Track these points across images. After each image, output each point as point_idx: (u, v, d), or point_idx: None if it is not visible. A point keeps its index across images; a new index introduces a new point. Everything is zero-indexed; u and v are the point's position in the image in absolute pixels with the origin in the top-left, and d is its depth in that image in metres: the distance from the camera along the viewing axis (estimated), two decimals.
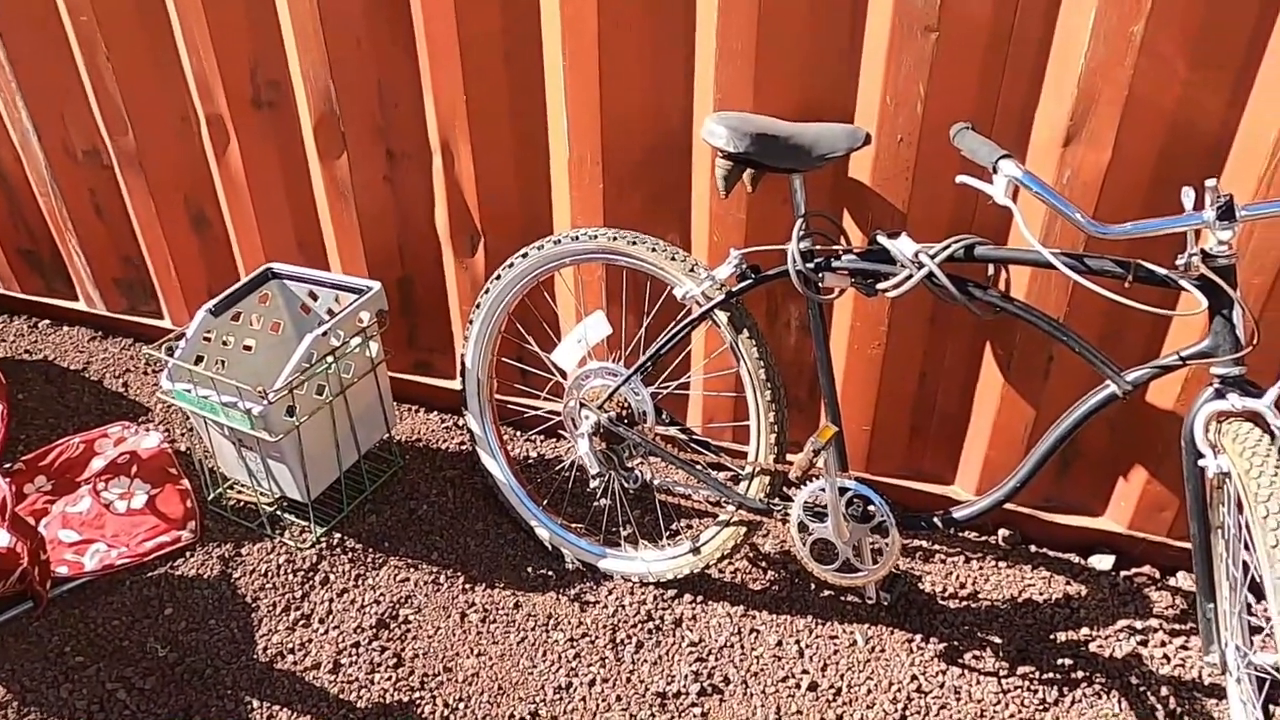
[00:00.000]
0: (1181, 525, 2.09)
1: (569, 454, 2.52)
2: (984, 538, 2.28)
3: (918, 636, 2.03)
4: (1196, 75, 1.66)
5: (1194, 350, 1.53)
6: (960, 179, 1.60)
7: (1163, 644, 1.99)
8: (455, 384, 2.62)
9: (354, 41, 2.20)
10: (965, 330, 2.08)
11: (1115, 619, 2.05)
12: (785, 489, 2.01)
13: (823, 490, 1.88)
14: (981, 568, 2.20)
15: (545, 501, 2.32)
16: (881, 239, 1.74)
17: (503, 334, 2.25)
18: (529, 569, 2.23)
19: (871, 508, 1.88)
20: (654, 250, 1.95)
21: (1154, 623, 2.04)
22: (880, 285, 1.75)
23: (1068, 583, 2.15)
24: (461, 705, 1.91)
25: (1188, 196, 1.42)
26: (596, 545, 2.23)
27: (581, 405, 2.06)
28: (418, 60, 2.19)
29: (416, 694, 1.93)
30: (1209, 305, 1.49)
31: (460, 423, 2.68)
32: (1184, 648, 1.99)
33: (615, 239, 1.98)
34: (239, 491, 2.44)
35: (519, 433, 2.62)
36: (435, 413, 2.73)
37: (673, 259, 1.93)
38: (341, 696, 1.93)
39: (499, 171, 2.28)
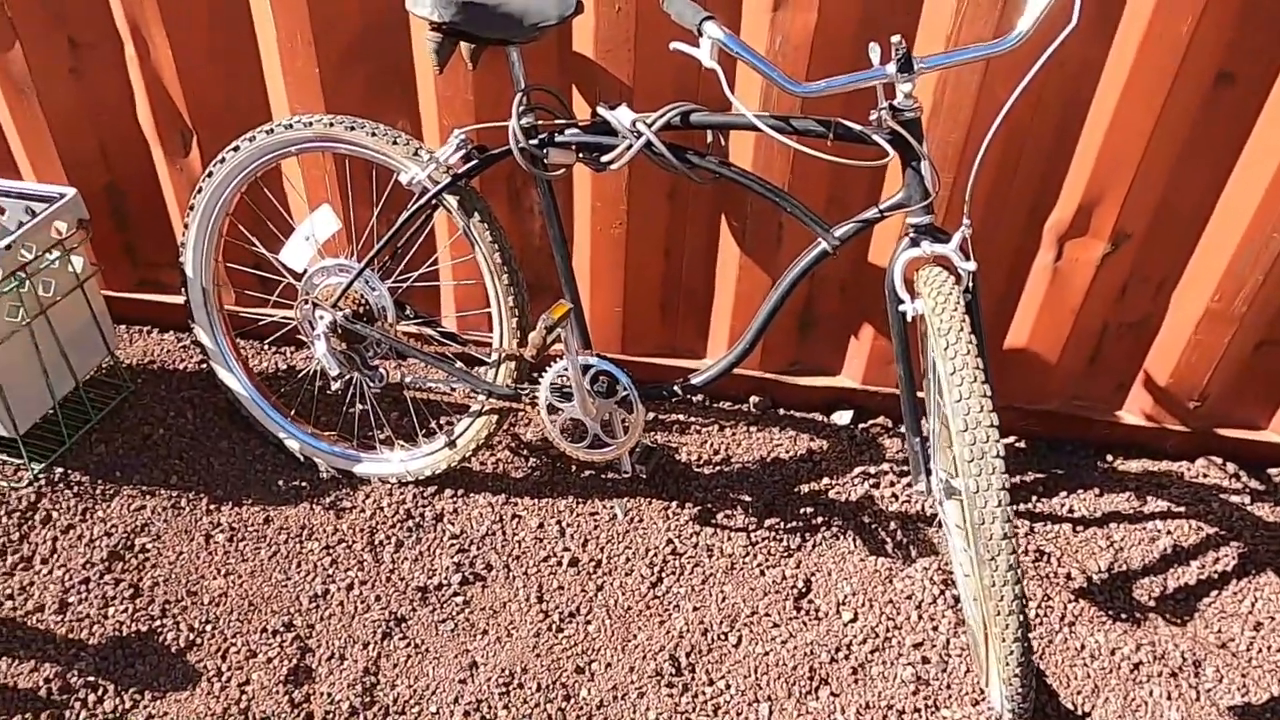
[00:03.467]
0: None
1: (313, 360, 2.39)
2: (737, 406, 2.38)
3: (674, 504, 2.10)
4: None
5: (890, 203, 1.62)
6: (674, 45, 1.58)
7: (892, 484, 2.16)
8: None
9: None
10: (702, 204, 2.11)
11: (852, 467, 2.21)
12: (536, 373, 2.00)
13: (567, 370, 1.88)
14: (734, 434, 2.29)
15: (293, 411, 2.21)
16: (602, 110, 1.71)
17: (225, 237, 2.08)
18: (280, 483, 2.13)
19: (615, 383, 1.90)
20: (374, 135, 1.84)
21: (885, 467, 2.21)
22: (605, 158, 1.73)
23: (812, 439, 2.29)
24: (209, 627, 1.82)
25: (874, 52, 1.47)
26: (351, 450, 2.16)
27: (315, 306, 1.96)
28: None
29: (157, 622, 1.82)
30: (902, 158, 1.57)
31: None
32: (910, 486, 2.16)
33: (332, 125, 1.86)
34: None
35: (262, 343, 2.47)
36: (170, 332, 2.52)
37: (394, 143, 1.83)
38: (70, 636, 1.79)
39: (203, 59, 2.08)
